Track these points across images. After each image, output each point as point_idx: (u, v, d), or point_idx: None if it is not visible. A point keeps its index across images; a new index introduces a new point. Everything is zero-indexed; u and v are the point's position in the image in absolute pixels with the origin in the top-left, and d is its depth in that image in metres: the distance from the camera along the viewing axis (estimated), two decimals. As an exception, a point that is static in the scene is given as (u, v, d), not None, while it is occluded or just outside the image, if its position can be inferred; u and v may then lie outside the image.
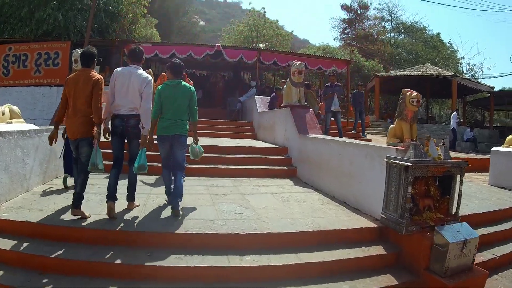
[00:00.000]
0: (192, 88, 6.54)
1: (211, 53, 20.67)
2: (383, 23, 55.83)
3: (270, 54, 21.82)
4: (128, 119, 5.97)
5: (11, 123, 7.72)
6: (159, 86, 6.46)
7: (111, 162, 6.20)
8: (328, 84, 15.73)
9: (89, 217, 5.74)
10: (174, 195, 6.28)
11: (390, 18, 55.44)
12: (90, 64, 6.02)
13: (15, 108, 8.44)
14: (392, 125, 7.25)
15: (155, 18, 35.93)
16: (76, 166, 6.20)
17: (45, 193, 7.01)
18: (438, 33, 53.24)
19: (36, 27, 21.69)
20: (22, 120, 8.40)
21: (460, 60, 50.93)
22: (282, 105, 12.49)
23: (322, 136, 10.03)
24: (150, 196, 7.26)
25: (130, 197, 6.32)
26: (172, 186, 6.55)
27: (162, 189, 7.15)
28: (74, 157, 6.25)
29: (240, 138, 15.07)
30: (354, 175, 7.35)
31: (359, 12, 57.15)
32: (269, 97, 16.76)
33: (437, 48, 49.36)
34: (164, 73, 8.59)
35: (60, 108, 6.05)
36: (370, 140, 16.53)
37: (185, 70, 8.26)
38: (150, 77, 6.14)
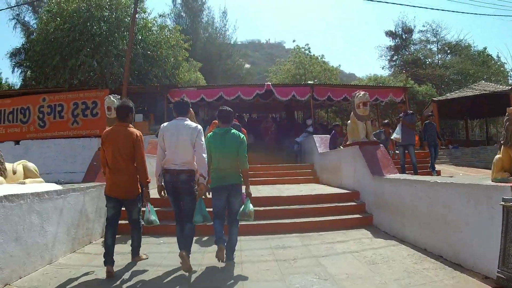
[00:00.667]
0: (242, 135, 6.28)
1: (261, 93, 19.59)
2: (428, 46, 53.55)
3: (323, 88, 20.38)
4: (178, 174, 5.73)
5: (24, 183, 6.49)
6: (208, 135, 6.33)
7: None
8: (401, 114, 13.73)
9: (147, 258, 6.23)
10: (230, 247, 6.14)
11: (435, 39, 53.19)
12: (127, 118, 5.99)
13: (30, 165, 7.19)
14: (497, 156, 5.65)
15: (199, 61, 35.34)
16: (110, 228, 5.79)
17: (70, 266, 5.85)
18: (485, 48, 50.49)
19: (71, 75, 21.38)
20: (40, 179, 7.13)
21: (510, 72, 48.10)
22: (347, 143, 11.06)
23: (402, 176, 8.48)
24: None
25: (187, 247, 5.76)
26: (226, 240, 6.16)
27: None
28: (109, 217, 5.87)
29: (301, 183, 13.73)
30: (451, 222, 5.76)
31: (404, 37, 55.28)
32: (328, 135, 15.42)
33: (486, 64, 46.57)
34: (216, 121, 8.11)
35: (102, 166, 6.06)
36: (439, 172, 14.85)
37: (234, 115, 7.51)
38: (199, 126, 5.98)
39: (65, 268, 5.74)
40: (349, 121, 11.06)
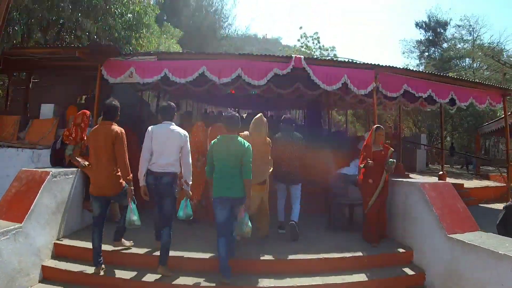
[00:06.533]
0: (247, 143, 6.23)
1: (282, 74, 9.90)
2: (461, 44, 44.00)
3: (395, 77, 10.55)
4: (162, 176, 6.05)
5: None
6: (212, 142, 6.35)
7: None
8: None
9: (131, 246, 6.64)
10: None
11: (470, 37, 44.00)
12: (113, 117, 6.16)
13: None
14: None
15: (183, 30, 25.05)
16: (96, 228, 6.11)
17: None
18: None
19: None
20: None
21: None
22: None
23: None
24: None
25: (163, 261, 6.04)
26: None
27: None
28: (95, 216, 6.17)
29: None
30: None
31: (438, 30, 46.03)
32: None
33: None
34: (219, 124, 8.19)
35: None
36: None
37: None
38: (186, 133, 6.36)
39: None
40: None
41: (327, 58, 30.93)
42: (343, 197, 9.17)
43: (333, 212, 8.95)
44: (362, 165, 7.76)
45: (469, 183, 17.25)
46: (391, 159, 7.70)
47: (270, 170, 7.45)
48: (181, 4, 35.12)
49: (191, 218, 6.33)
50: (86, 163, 7.35)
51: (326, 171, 10.04)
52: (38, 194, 6.34)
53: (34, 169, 6.92)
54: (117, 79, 9.72)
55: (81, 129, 7.80)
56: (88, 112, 8.08)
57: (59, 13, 13.01)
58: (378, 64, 10.29)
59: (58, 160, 8.16)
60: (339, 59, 10.40)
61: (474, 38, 43.58)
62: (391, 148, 8.10)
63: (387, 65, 10.61)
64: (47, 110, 11.66)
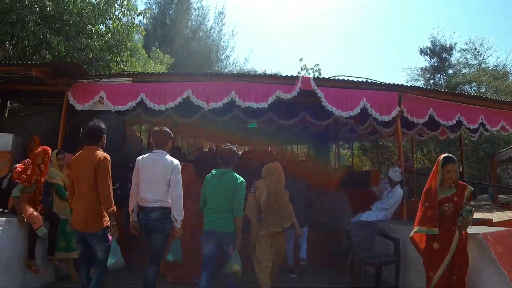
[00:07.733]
0: (241, 179, 5.82)
1: (287, 98, 8.02)
2: (466, 69, 41.84)
3: (421, 100, 8.72)
4: (150, 211, 5.46)
5: None
6: (207, 176, 5.95)
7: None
8: None
9: None
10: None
11: (476, 61, 41.58)
12: (97, 141, 5.48)
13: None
14: None
15: (174, 57, 23.45)
16: (83, 265, 5.50)
17: None
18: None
19: None
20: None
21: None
22: None
23: None
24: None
25: None
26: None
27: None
28: (80, 252, 5.57)
29: None
30: None
31: (443, 56, 43.71)
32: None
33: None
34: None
35: (70, 196, 5.53)
36: None
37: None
38: (176, 162, 5.63)
39: None
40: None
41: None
42: (366, 251, 7.00)
43: (356, 270, 6.87)
44: (426, 229, 5.14)
45: (493, 216, 15.46)
46: (467, 207, 5.09)
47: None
48: (173, 32, 33.71)
49: (182, 262, 5.86)
50: (23, 217, 6.08)
51: (341, 215, 8.43)
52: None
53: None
54: (85, 105, 7.98)
55: (40, 170, 6.44)
56: (49, 150, 6.68)
57: (26, 28, 11.28)
58: (402, 85, 8.56)
59: (1, 202, 6.64)
60: (355, 79, 8.32)
61: (480, 61, 41.84)
62: (469, 187, 5.30)
63: (412, 85, 8.91)
64: (3, 141, 9.42)
